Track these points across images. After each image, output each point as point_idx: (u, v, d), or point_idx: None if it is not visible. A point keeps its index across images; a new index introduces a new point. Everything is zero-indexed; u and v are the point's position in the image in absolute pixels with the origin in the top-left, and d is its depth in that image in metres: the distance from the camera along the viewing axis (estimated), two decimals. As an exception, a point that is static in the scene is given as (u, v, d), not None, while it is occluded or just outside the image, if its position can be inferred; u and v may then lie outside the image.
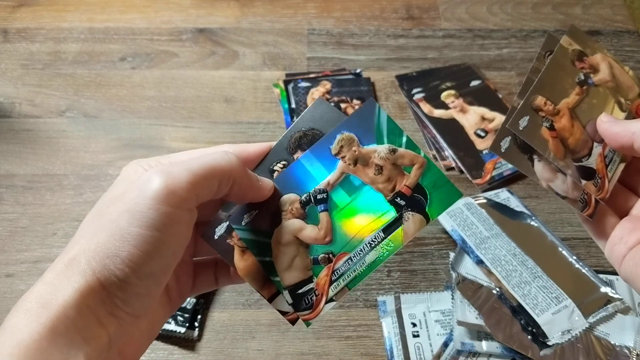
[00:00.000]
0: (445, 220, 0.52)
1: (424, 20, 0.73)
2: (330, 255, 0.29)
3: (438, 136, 0.60)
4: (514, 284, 0.46)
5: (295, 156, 0.30)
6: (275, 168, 0.30)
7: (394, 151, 0.30)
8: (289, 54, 0.68)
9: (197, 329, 0.47)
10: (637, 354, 0.43)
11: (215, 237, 0.30)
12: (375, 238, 0.29)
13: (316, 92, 0.64)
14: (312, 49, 0.69)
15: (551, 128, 0.32)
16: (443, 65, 0.68)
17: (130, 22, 0.71)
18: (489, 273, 0.48)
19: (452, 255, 0.50)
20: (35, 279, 0.25)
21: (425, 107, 0.63)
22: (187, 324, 0.46)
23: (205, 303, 0.48)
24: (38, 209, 0.54)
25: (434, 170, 0.29)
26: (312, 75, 0.66)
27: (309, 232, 0.29)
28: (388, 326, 0.47)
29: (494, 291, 0.47)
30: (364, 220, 0.29)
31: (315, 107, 0.31)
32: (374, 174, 0.30)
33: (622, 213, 0.33)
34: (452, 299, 0.47)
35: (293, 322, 0.29)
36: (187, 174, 0.25)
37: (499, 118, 0.62)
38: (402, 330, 0.47)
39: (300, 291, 0.29)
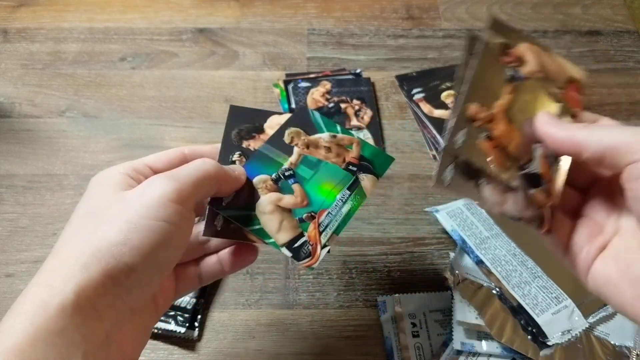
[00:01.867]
0: (445, 220, 0.52)
1: (424, 20, 0.73)
2: (313, 213, 0.35)
3: (438, 136, 0.60)
4: (514, 284, 0.46)
5: (244, 145, 0.38)
6: (234, 159, 0.37)
7: (334, 136, 0.39)
8: (289, 54, 0.68)
9: (197, 329, 0.47)
10: (637, 354, 0.43)
11: (218, 229, 0.34)
12: (344, 195, 0.36)
13: (316, 92, 0.64)
14: (312, 49, 0.69)
15: (489, 138, 0.30)
16: (443, 65, 0.68)
17: (130, 22, 0.71)
18: (489, 273, 0.48)
19: (452, 255, 0.50)
20: (36, 279, 0.25)
21: (425, 107, 0.63)
22: (187, 324, 0.46)
23: (205, 303, 0.48)
24: (38, 209, 0.54)
25: (369, 146, 0.39)
26: (312, 75, 0.66)
27: (288, 199, 0.36)
28: (388, 326, 0.47)
29: (494, 291, 0.47)
30: (329, 185, 0.37)
31: (232, 112, 0.39)
32: (325, 153, 0.38)
33: (575, 215, 0.31)
34: (452, 299, 0.47)
35: (309, 266, 0.34)
36: (188, 175, 0.29)
37: (499, 118, 0.62)
38: (402, 330, 0.47)
39: (296, 245, 0.34)
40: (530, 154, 0.31)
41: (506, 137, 0.31)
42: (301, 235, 0.35)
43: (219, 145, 0.37)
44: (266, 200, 0.35)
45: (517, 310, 0.45)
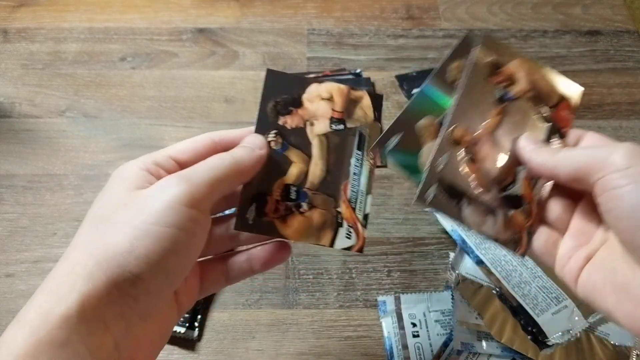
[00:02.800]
0: (445, 220, 0.52)
1: (424, 20, 0.73)
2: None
3: (438, 136, 0.60)
4: (514, 284, 0.46)
5: (281, 121, 0.33)
6: (270, 139, 0.33)
7: None
8: (289, 54, 0.68)
9: (197, 329, 0.47)
10: (637, 354, 0.43)
11: (250, 222, 0.32)
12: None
13: (316, 92, 0.64)
14: (312, 49, 0.69)
15: (473, 160, 0.31)
16: (443, 65, 0.67)
17: (130, 22, 0.71)
18: (489, 273, 0.48)
19: (452, 255, 0.50)
20: (36, 279, 0.25)
21: (425, 107, 0.63)
22: (187, 324, 0.46)
23: (205, 303, 0.48)
24: (38, 209, 0.54)
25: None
26: (312, 75, 0.66)
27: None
28: (388, 326, 0.47)
29: (494, 291, 0.47)
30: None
31: (269, 78, 0.34)
32: None
33: (560, 225, 0.31)
34: (452, 299, 0.47)
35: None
36: (204, 177, 0.27)
37: (499, 118, 0.62)
38: (402, 330, 0.47)
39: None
40: (514, 175, 0.31)
41: (490, 160, 0.31)
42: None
43: (251, 129, 0.33)
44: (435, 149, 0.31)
45: (517, 310, 0.45)
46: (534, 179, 0.31)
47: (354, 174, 0.33)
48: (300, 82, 0.35)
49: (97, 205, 0.27)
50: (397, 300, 0.48)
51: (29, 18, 0.71)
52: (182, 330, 0.46)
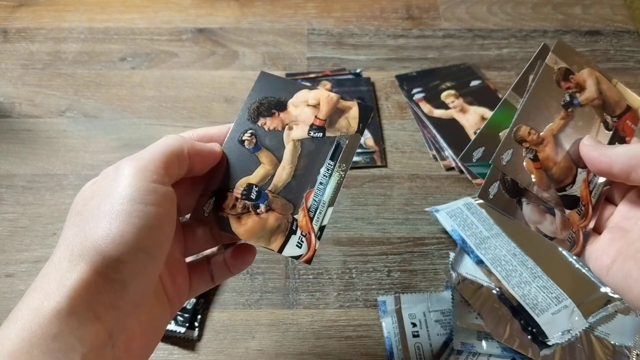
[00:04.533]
0: (445, 220, 0.52)
1: (424, 20, 0.73)
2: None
3: (438, 136, 0.60)
4: (514, 284, 0.46)
5: (260, 122, 0.34)
6: (244, 138, 0.34)
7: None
8: (289, 54, 0.68)
9: (197, 329, 0.47)
10: (637, 354, 0.43)
11: (205, 214, 0.32)
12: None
13: (316, 92, 0.64)
14: (312, 49, 0.69)
15: (535, 159, 0.32)
16: (443, 65, 0.68)
17: (130, 22, 0.71)
18: (489, 273, 0.48)
19: (452, 255, 0.50)
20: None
21: (425, 107, 0.63)
22: (187, 324, 0.46)
23: (205, 303, 0.48)
24: (38, 209, 0.54)
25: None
26: (312, 75, 0.66)
27: None
28: (388, 326, 0.47)
29: (494, 291, 0.47)
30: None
31: (261, 79, 0.35)
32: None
33: (601, 226, 0.33)
34: (452, 299, 0.47)
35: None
36: (152, 152, 0.28)
37: (499, 118, 0.62)
38: (402, 330, 0.47)
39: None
40: (574, 177, 0.32)
41: (551, 161, 0.32)
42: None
43: (229, 126, 0.34)
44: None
45: (517, 310, 0.45)
46: (592, 181, 0.32)
47: (320, 183, 0.33)
48: (291, 87, 0.35)
49: (71, 207, 0.28)
50: (397, 300, 0.48)
51: (29, 18, 0.71)
52: (182, 330, 0.46)
